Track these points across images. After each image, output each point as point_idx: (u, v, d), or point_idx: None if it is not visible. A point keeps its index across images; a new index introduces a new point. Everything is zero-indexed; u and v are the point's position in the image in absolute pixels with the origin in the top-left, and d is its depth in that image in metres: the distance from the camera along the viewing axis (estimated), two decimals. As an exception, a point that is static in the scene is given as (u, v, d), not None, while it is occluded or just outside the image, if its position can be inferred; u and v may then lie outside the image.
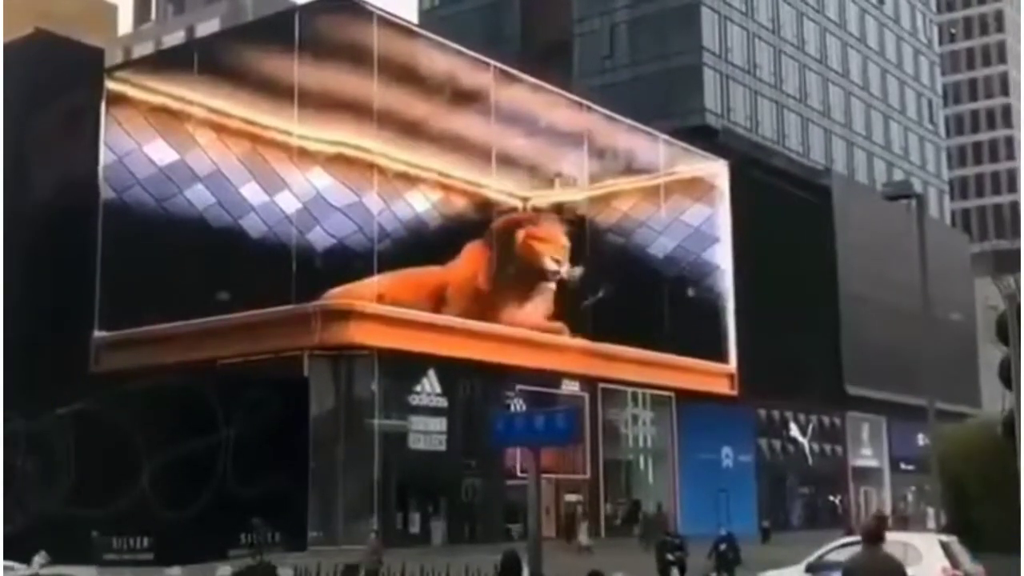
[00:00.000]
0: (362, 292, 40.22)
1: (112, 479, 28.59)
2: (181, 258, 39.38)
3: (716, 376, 51.24)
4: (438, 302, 42.80)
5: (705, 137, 56.54)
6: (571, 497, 46.39)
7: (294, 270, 40.40)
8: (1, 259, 36.05)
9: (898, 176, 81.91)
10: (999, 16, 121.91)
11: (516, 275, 44.09)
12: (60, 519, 27.95)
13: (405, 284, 43.83)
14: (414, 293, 43.32)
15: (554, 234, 45.20)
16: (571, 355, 44.78)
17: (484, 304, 43.34)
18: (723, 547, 25.40)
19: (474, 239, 43.99)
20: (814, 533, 42.40)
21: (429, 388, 40.62)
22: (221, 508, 28.90)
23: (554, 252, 44.75)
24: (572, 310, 45.59)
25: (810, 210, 59.88)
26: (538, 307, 45.00)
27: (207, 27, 75.59)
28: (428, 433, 40.39)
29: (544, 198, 50.85)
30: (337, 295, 39.60)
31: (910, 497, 64.40)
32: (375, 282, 43.35)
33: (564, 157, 47.51)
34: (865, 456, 65.20)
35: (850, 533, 29.86)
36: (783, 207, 56.30)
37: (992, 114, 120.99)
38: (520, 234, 44.01)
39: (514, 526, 41.85)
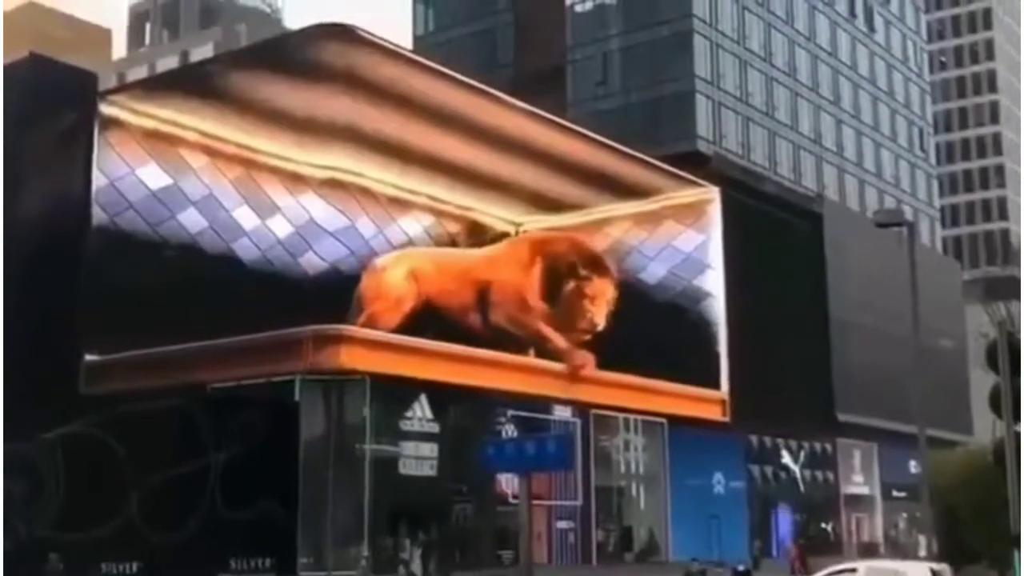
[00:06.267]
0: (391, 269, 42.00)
1: (101, 503, 28.47)
2: (173, 282, 39.29)
3: (708, 402, 51.15)
4: (480, 299, 43.28)
5: (697, 163, 56.69)
6: (563, 524, 46.25)
7: (286, 294, 40.44)
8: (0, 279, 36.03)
9: (889, 203, 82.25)
10: (989, 45, 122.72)
11: (559, 310, 44.01)
12: (48, 543, 27.81)
13: (440, 268, 44.20)
14: (455, 282, 43.70)
15: (602, 291, 44.71)
16: (563, 381, 44.64)
17: (526, 313, 43.62)
18: None
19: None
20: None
21: (420, 413, 40.50)
22: (210, 532, 28.82)
23: (597, 314, 44.44)
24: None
25: (801, 237, 60.02)
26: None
27: (201, 52, 75.94)
28: (419, 458, 40.23)
29: (536, 223, 51.04)
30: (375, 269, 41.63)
31: (902, 524, 64.32)
32: (404, 255, 44.26)
33: (557, 183, 47.58)
34: (856, 483, 65.11)
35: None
36: (775, 234, 56.41)
37: (983, 142, 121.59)
38: (570, 284, 43.72)
39: (505, 552, 41.70)
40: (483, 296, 43.99)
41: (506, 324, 43.93)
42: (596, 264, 44.93)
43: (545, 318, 43.92)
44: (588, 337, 44.63)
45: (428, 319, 42.27)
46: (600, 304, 44.14)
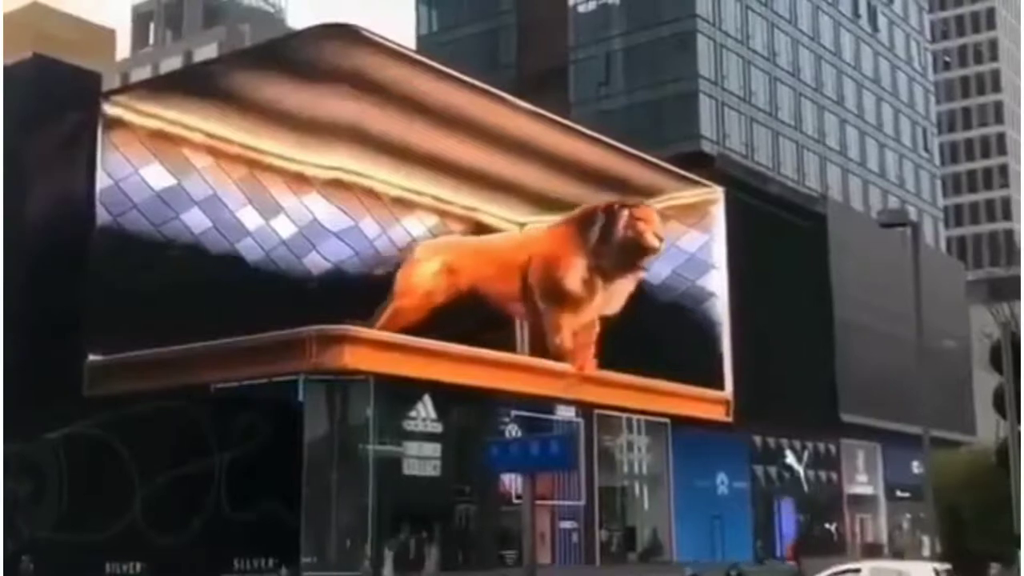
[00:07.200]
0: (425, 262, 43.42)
1: (104, 504, 28.48)
2: (176, 282, 39.33)
3: (712, 403, 51.12)
4: (523, 285, 44.11)
5: (701, 163, 56.67)
6: (566, 524, 46.26)
7: (289, 295, 40.44)
8: (1, 281, 36.02)
9: (893, 203, 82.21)
10: (993, 45, 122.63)
11: (616, 253, 44.43)
12: (51, 544, 27.83)
13: (481, 255, 45.35)
14: (495, 267, 44.74)
15: (649, 214, 45.79)
16: (567, 381, 44.66)
17: (562, 294, 44.18)
18: None
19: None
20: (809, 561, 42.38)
21: (424, 413, 40.56)
22: (214, 533, 28.82)
23: (656, 229, 45.37)
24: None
25: (805, 237, 59.98)
26: (611, 302, 45.32)
27: (205, 52, 75.90)
28: (422, 458, 40.29)
29: (540, 224, 50.99)
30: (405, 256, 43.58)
31: (905, 525, 64.29)
32: (432, 244, 45.48)
33: (560, 183, 47.55)
34: (860, 483, 65.09)
35: None
36: (778, 234, 56.38)
37: (987, 142, 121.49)
38: (625, 213, 44.41)
39: (508, 552, 41.73)
40: (525, 276, 44.53)
41: (538, 290, 44.24)
42: (630, 200, 45.76)
43: (590, 277, 44.50)
44: (655, 257, 46.19)
45: (464, 311, 42.68)
46: (654, 224, 45.29)
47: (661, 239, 46.01)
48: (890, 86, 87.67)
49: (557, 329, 44.56)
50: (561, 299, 44.42)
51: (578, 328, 45.05)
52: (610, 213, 44.62)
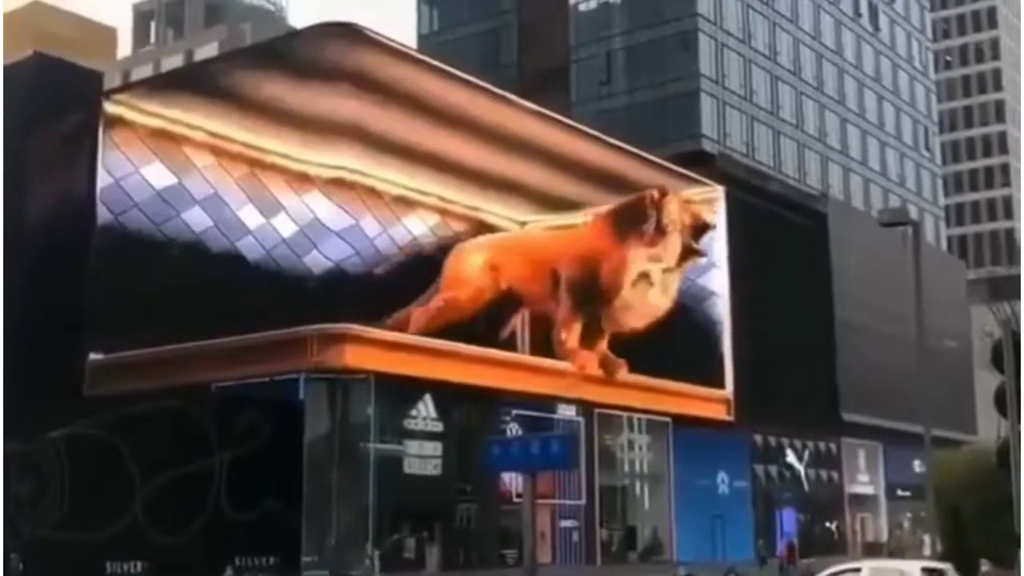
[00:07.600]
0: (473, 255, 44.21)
1: (105, 503, 28.51)
2: (177, 281, 39.32)
3: (712, 401, 51.10)
4: (553, 286, 44.18)
5: (702, 162, 56.66)
6: (567, 523, 46.23)
7: (290, 294, 40.42)
8: (1, 280, 36.00)
9: (894, 202, 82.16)
10: (995, 43, 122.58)
11: (677, 240, 44.33)
12: (52, 543, 27.84)
13: (520, 254, 46.08)
14: (532, 271, 44.84)
15: (687, 195, 46.46)
16: (568, 380, 44.66)
17: (601, 293, 44.06)
18: None
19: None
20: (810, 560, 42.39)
21: (425, 412, 40.54)
22: (214, 532, 28.87)
23: (708, 208, 45.71)
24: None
25: (806, 236, 59.97)
26: (660, 302, 45.24)
27: (206, 51, 75.91)
28: (423, 457, 40.28)
29: (542, 223, 51.06)
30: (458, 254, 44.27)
31: (906, 524, 64.28)
32: (487, 243, 45.93)
33: (561, 182, 47.58)
34: (861, 483, 65.09)
35: None
36: (779, 233, 56.36)
37: (988, 141, 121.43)
38: (675, 198, 44.45)
39: (509, 551, 41.71)
40: (556, 274, 44.62)
41: (572, 288, 44.21)
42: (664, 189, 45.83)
43: (648, 272, 44.30)
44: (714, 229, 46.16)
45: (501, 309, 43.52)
46: (701, 203, 45.77)
47: (715, 213, 46.03)
48: (891, 85, 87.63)
49: (566, 327, 44.46)
50: (599, 298, 44.18)
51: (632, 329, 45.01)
52: (656, 203, 44.35)
